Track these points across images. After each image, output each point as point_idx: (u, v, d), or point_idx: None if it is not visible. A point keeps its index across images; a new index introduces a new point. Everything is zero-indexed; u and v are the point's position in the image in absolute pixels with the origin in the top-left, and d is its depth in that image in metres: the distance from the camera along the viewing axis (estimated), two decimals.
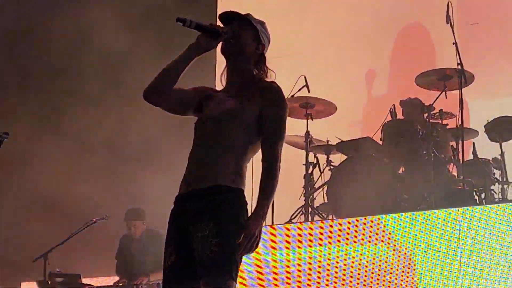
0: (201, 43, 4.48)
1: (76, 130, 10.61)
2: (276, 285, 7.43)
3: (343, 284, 7.30)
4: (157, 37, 10.18)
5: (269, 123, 4.45)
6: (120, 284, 8.64)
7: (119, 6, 10.42)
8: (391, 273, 7.21)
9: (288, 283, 7.40)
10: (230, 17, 4.63)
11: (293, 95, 8.68)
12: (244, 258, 4.40)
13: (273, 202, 7.91)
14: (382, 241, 7.32)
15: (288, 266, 7.44)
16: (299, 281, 7.39)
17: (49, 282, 8.52)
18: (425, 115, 8.49)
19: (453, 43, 8.28)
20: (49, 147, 10.47)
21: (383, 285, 7.21)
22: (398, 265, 7.21)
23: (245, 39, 4.58)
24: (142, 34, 10.29)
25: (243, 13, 4.67)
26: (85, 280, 8.68)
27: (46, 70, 10.85)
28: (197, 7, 10.19)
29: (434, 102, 8.50)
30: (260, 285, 7.42)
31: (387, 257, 7.25)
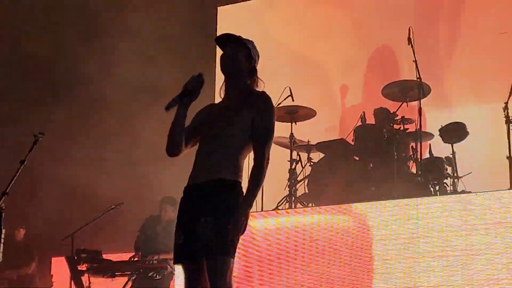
0: (185, 101, 4.57)
1: (102, 131, 10.62)
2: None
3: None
4: (170, 58, 10.13)
5: (259, 127, 4.54)
6: (135, 259, 8.69)
7: (137, 35, 10.43)
8: (360, 254, 7.20)
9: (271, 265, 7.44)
10: (225, 39, 4.74)
11: (280, 103, 8.67)
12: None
13: (262, 191, 8.11)
14: (353, 226, 7.30)
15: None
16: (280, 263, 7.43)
17: (75, 258, 8.52)
18: (390, 120, 8.51)
19: (413, 61, 8.32)
20: (79, 145, 10.56)
21: (350, 265, 7.20)
22: (365, 247, 7.18)
23: (240, 58, 4.70)
24: (158, 57, 10.26)
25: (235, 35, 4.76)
26: (105, 256, 8.68)
27: (78, 83, 10.85)
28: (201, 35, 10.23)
29: (397, 110, 8.53)
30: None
31: (357, 241, 7.23)
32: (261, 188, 4.60)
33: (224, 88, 4.76)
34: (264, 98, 4.63)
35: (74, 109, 10.79)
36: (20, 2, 10.37)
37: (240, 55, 4.69)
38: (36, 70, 11.01)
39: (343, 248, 7.25)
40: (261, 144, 4.54)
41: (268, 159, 4.54)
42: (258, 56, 4.79)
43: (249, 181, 4.46)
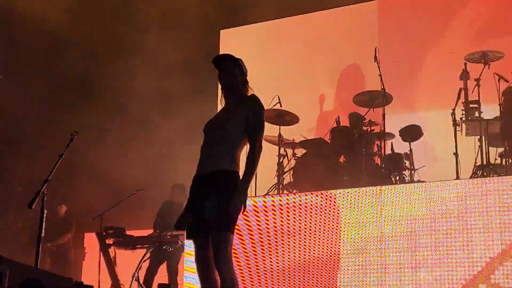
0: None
1: (126, 130, 10.64)
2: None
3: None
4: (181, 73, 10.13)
5: (252, 121, 4.61)
6: (152, 235, 8.75)
7: (154, 54, 10.48)
8: (332, 234, 7.20)
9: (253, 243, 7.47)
10: (221, 59, 4.85)
11: (270, 108, 8.68)
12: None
13: (256, 180, 8.13)
14: (329, 209, 7.30)
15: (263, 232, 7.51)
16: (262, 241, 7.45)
17: (104, 233, 8.56)
18: (360, 123, 8.52)
19: (379, 75, 8.34)
20: (108, 142, 10.62)
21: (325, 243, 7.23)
22: (336, 228, 7.19)
23: (235, 73, 4.79)
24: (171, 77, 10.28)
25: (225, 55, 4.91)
26: (128, 232, 8.69)
27: (107, 92, 10.84)
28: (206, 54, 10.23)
29: (365, 114, 8.56)
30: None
31: (330, 221, 7.25)
32: (255, 173, 4.65)
33: (223, 99, 4.85)
34: (254, 98, 4.73)
35: (103, 113, 10.76)
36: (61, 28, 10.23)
37: (235, 70, 4.78)
38: (74, 82, 10.99)
39: (318, 227, 7.26)
40: (254, 135, 4.61)
41: (261, 147, 4.61)
42: (247, 70, 4.89)
43: (245, 167, 4.52)
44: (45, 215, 5.57)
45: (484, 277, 6.39)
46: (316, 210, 7.36)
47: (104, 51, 10.84)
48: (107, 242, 8.53)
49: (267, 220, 7.48)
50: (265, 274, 7.31)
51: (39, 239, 5.48)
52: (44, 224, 5.61)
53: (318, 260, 7.16)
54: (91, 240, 9.70)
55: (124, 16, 10.63)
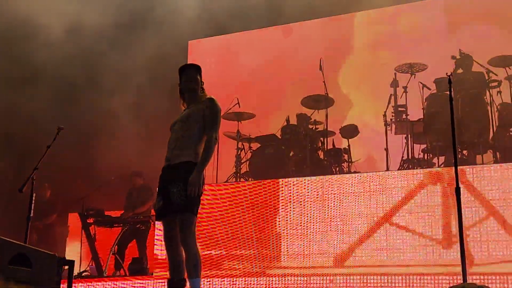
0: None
1: (104, 133, 10.37)
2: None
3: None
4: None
5: (208, 116, 4.60)
6: (128, 215, 8.68)
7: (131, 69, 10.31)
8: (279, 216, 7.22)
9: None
10: (185, 67, 4.84)
11: (230, 108, 8.75)
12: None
13: (217, 169, 8.08)
14: (278, 196, 7.30)
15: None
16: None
17: (85, 214, 8.50)
18: (306, 122, 8.59)
19: (323, 82, 8.44)
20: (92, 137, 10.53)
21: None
22: (283, 212, 7.24)
23: (197, 78, 4.77)
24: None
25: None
26: (106, 213, 8.65)
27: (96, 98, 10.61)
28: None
29: (311, 115, 8.67)
30: None
31: (277, 205, 7.28)
32: (209, 161, 4.57)
33: (185, 101, 4.82)
34: (211, 98, 4.71)
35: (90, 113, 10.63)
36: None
37: (197, 76, 4.76)
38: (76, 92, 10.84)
39: (268, 210, 7.28)
40: (210, 129, 4.58)
41: (216, 139, 4.60)
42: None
43: (201, 154, 4.52)
44: (34, 198, 5.47)
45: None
46: (265, 195, 7.35)
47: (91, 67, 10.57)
48: (88, 222, 8.44)
49: (229, 202, 7.46)
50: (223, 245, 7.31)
51: (28, 219, 5.38)
52: (32, 206, 5.52)
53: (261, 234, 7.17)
54: (74, 219, 9.59)
55: None
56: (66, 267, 4.14)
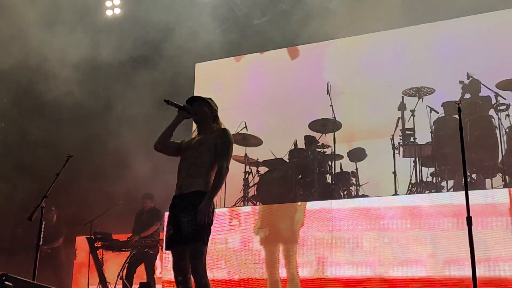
0: (180, 115, 4.73)
1: (101, 161, 10.54)
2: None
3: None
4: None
5: (220, 146, 4.63)
6: (134, 239, 8.64)
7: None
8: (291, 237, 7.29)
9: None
10: (191, 100, 4.86)
11: (237, 132, 8.73)
12: None
13: (225, 193, 8.08)
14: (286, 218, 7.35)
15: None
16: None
17: (93, 237, 8.48)
18: (314, 146, 8.54)
19: (330, 105, 8.41)
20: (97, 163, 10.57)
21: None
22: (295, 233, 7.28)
23: (204, 111, 4.80)
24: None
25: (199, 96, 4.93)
26: (114, 236, 8.63)
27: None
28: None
29: (319, 138, 8.62)
30: None
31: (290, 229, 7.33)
32: (220, 190, 4.65)
33: (197, 130, 4.86)
34: (224, 129, 4.77)
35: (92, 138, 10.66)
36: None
37: (203, 108, 4.78)
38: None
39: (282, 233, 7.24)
40: (221, 158, 4.61)
41: (227, 169, 4.62)
42: (217, 107, 4.92)
43: (212, 183, 4.54)
44: (43, 226, 5.47)
45: None
46: (275, 221, 7.36)
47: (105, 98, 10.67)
48: (95, 245, 8.42)
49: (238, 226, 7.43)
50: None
51: (37, 247, 5.37)
52: (42, 234, 5.52)
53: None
54: (81, 243, 9.58)
55: None
56: None
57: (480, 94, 8.00)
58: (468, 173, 7.47)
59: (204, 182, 4.55)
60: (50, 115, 10.57)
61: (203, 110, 4.80)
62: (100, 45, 10.05)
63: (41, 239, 5.45)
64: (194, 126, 4.98)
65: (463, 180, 4.52)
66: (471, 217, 4.22)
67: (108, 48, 10.01)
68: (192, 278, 4.42)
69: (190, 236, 4.39)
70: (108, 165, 10.30)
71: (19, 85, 10.35)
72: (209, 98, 4.90)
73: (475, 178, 7.59)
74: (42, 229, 5.51)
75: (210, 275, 7.03)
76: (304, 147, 8.62)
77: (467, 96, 8.06)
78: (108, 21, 10.92)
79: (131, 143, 9.59)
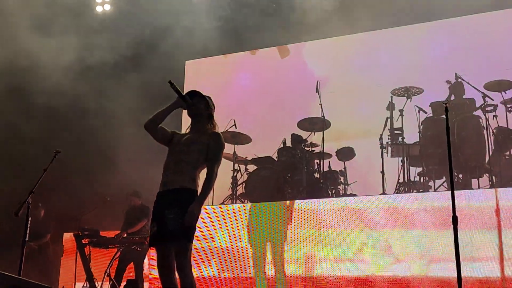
0: (177, 102, 4.65)
1: (95, 156, 10.48)
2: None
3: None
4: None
5: (212, 151, 4.59)
6: (122, 236, 8.61)
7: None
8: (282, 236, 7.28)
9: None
10: (192, 94, 4.80)
11: (226, 130, 8.73)
12: None
13: (213, 191, 8.03)
14: (274, 216, 7.32)
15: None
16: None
17: (80, 234, 8.42)
18: (302, 144, 8.58)
19: (319, 104, 8.44)
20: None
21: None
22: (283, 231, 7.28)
23: (201, 108, 4.76)
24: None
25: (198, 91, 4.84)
26: (102, 233, 8.57)
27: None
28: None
29: (308, 137, 8.63)
30: None
31: (279, 227, 7.31)
32: (209, 194, 4.60)
33: (189, 128, 4.81)
34: (218, 134, 4.71)
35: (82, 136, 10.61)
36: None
37: (201, 105, 4.74)
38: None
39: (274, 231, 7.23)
40: (213, 163, 4.57)
41: (216, 174, 4.58)
42: (214, 107, 4.86)
43: (202, 187, 4.49)
44: (29, 222, 5.43)
45: None
46: (261, 218, 7.35)
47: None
48: (83, 242, 8.35)
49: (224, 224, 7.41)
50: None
51: (23, 243, 5.33)
52: (28, 229, 5.48)
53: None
54: (69, 240, 9.51)
55: None
56: None
57: (465, 96, 8.02)
58: (455, 173, 7.49)
59: (190, 179, 4.51)
60: (41, 113, 10.48)
61: (200, 107, 4.76)
62: (90, 43, 9.98)
63: (27, 235, 5.41)
64: (187, 121, 4.91)
65: (450, 179, 4.51)
66: (456, 216, 4.22)
67: (98, 47, 9.95)
68: (177, 276, 4.37)
69: (175, 233, 4.34)
70: (97, 163, 10.24)
71: (10, 85, 10.26)
72: (208, 97, 4.86)
73: (462, 178, 7.60)
74: (29, 225, 5.47)
75: (198, 273, 7.13)
76: (293, 145, 8.61)
77: (453, 97, 8.07)
78: (99, 18, 10.85)
79: (121, 141, 9.53)
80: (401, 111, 8.12)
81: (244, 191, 8.51)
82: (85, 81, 10.47)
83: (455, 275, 4.16)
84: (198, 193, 4.51)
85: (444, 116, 5.10)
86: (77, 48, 9.83)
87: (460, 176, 7.63)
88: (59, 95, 9.88)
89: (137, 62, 10.58)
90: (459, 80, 8.03)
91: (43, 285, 3.66)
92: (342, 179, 8.41)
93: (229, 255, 7.28)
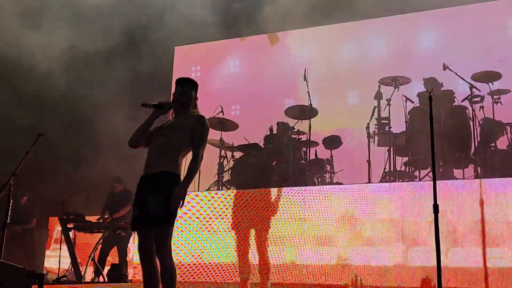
0: (154, 113, 4.63)
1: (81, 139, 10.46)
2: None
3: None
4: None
5: (197, 136, 4.56)
6: (100, 220, 8.61)
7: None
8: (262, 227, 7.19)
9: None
10: (181, 81, 4.77)
11: (213, 116, 8.69)
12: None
13: (199, 177, 8.01)
14: (259, 203, 7.26)
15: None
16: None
17: (65, 218, 8.41)
18: (290, 132, 8.57)
19: (307, 92, 8.35)
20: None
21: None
22: (266, 222, 7.23)
23: (191, 94, 4.73)
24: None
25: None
26: (87, 218, 8.56)
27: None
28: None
29: (294, 125, 8.58)
30: None
31: (261, 215, 7.31)
32: (194, 178, 4.57)
33: (174, 113, 4.77)
34: (202, 117, 4.68)
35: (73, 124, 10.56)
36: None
37: (191, 92, 4.71)
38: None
39: (256, 218, 7.23)
40: (198, 146, 4.55)
41: (202, 157, 4.56)
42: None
43: (187, 171, 4.45)
44: (11, 204, 5.39)
45: None
46: (247, 205, 7.30)
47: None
48: (68, 226, 8.34)
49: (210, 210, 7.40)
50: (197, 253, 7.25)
51: (4, 225, 5.30)
52: (10, 211, 5.44)
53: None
54: (54, 224, 9.50)
55: None
56: None
57: (443, 89, 8.02)
58: (441, 164, 7.49)
59: (173, 163, 4.49)
60: (31, 102, 10.44)
61: (190, 93, 4.73)
62: (80, 31, 9.92)
63: (9, 217, 5.38)
64: None
65: (432, 168, 4.50)
66: (437, 205, 4.22)
67: (87, 34, 9.89)
68: (157, 260, 4.35)
69: (155, 217, 4.32)
70: (85, 150, 10.25)
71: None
72: (196, 83, 4.82)
73: (447, 168, 7.60)
74: (10, 207, 5.43)
75: (179, 258, 7.10)
76: (279, 133, 8.57)
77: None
78: (89, 7, 10.77)
79: (108, 128, 9.50)
80: (388, 100, 8.09)
81: (230, 178, 8.47)
82: (75, 69, 10.42)
83: (435, 263, 4.16)
84: (181, 177, 4.49)
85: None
86: (68, 36, 9.77)
87: (446, 166, 7.62)
88: (49, 83, 9.84)
89: (127, 50, 10.52)
90: (447, 70, 8.01)
91: (19, 267, 3.63)
92: (328, 167, 8.39)
93: (211, 242, 7.25)
